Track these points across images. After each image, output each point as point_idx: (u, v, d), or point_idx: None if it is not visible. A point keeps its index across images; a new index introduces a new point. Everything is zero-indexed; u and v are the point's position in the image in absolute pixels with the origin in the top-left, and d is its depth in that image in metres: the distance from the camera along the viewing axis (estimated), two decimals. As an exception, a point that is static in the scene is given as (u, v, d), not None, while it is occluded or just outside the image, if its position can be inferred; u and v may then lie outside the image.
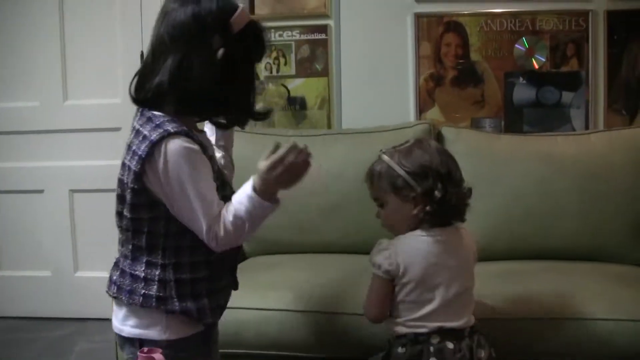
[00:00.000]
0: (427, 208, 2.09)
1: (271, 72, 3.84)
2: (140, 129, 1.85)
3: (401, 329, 2.16)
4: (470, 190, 2.18)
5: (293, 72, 3.83)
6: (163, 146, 1.78)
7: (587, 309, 2.46)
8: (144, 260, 1.90)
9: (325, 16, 3.78)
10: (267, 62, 3.83)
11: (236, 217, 1.83)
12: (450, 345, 2.11)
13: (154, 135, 1.79)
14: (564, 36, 3.61)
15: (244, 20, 1.86)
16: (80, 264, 4.24)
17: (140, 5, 3.93)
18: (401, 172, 2.11)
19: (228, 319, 2.58)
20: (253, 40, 1.88)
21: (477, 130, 3.51)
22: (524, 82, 3.65)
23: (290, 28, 3.82)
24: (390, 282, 2.15)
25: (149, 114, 1.87)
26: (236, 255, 2.10)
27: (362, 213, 3.19)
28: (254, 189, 1.84)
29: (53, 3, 4.07)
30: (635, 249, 3.08)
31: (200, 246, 1.88)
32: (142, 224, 1.88)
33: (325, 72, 3.80)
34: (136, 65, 4.01)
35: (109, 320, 2.51)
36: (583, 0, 3.60)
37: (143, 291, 1.89)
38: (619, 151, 3.15)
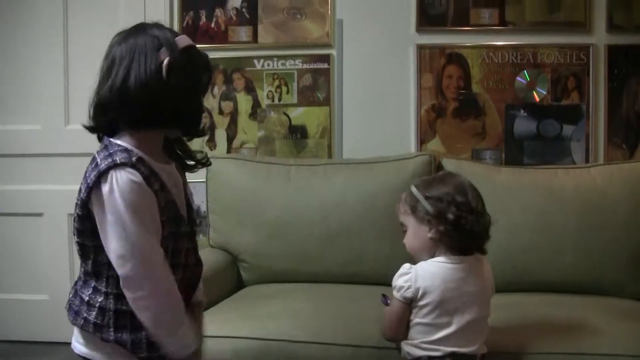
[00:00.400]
0: (441, 228, 2.22)
1: (273, 101, 3.85)
2: (96, 156, 1.86)
3: (416, 352, 2.25)
4: (489, 219, 2.31)
5: (295, 100, 3.85)
6: (110, 176, 1.77)
7: (585, 343, 2.45)
8: (92, 285, 1.89)
9: (327, 46, 3.81)
10: (270, 90, 3.85)
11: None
12: None
13: (103, 165, 1.78)
14: (565, 69, 3.63)
15: (188, 41, 1.88)
16: (78, 289, 4.22)
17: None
18: (419, 196, 2.28)
19: (226, 348, 2.59)
20: (196, 58, 1.89)
21: (477, 162, 3.51)
22: (525, 114, 3.67)
23: (293, 57, 3.84)
24: (408, 305, 2.26)
25: (107, 141, 1.88)
26: (194, 283, 2.02)
27: (362, 243, 3.21)
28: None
29: (57, 27, 4.09)
30: (634, 282, 3.08)
31: None
32: (88, 250, 1.88)
33: (326, 102, 3.81)
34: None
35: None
36: (584, 34, 3.62)
37: (85, 315, 1.87)
38: (619, 185, 3.15)
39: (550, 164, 3.55)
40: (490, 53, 3.67)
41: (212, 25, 3.87)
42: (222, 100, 3.89)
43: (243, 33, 3.87)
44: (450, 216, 2.21)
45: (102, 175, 1.77)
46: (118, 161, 1.77)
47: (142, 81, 1.79)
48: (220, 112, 3.89)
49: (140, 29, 1.90)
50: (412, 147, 3.72)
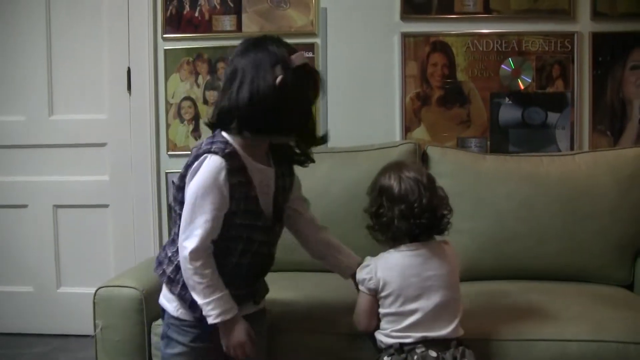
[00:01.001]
0: (372, 224, 2.37)
1: (258, 90, 3.83)
2: (204, 140, 2.20)
3: (388, 340, 2.27)
4: (438, 206, 2.31)
5: (280, 89, 3.83)
6: (203, 158, 2.10)
7: (570, 330, 2.45)
8: (177, 245, 2.17)
9: (312, 34, 3.79)
10: (254, 80, 3.83)
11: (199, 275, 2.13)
12: (433, 353, 2.20)
13: (203, 148, 2.12)
14: (550, 57, 3.64)
15: (302, 59, 2.15)
16: (63, 280, 4.21)
17: (128, 21, 3.93)
18: (371, 188, 2.41)
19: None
20: (307, 76, 2.17)
21: (462, 150, 3.51)
22: (510, 102, 3.67)
23: (277, 46, 3.82)
24: (373, 296, 2.30)
25: (217, 132, 2.19)
26: (259, 271, 2.36)
27: (346, 232, 3.18)
28: (214, 316, 2.15)
29: (40, 19, 4.07)
30: (619, 269, 3.09)
31: (227, 254, 2.19)
32: (177, 216, 2.20)
33: (311, 90, 3.79)
34: (122, 80, 4.03)
35: (90, 337, 2.52)
36: (568, 22, 3.62)
37: (164, 267, 2.25)
38: (604, 172, 3.16)
39: (535, 151, 3.55)
40: (475, 41, 3.67)
41: (196, 14, 3.85)
42: (206, 90, 3.87)
43: (227, 22, 3.86)
44: (372, 209, 2.36)
45: (197, 157, 2.11)
46: (213, 149, 2.10)
47: (256, 95, 2.07)
48: (205, 101, 3.87)
49: (262, 43, 2.16)
50: (397, 135, 3.72)
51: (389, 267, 2.28)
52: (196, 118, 3.87)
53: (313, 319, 2.61)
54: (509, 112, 3.67)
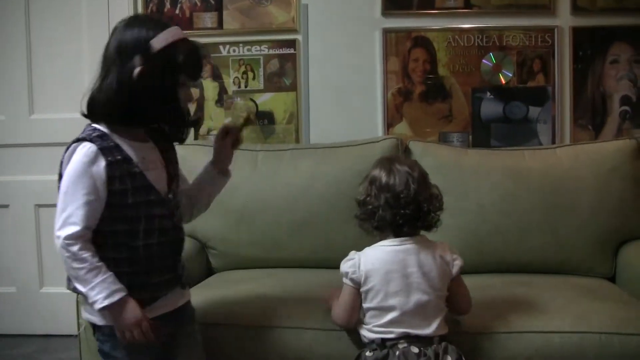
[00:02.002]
0: (358, 212, 2.36)
1: (239, 87, 3.83)
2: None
3: (370, 335, 2.28)
4: (427, 200, 2.30)
5: (261, 86, 3.83)
6: (72, 149, 2.06)
7: (554, 322, 2.46)
8: None
9: (293, 31, 3.79)
10: (236, 77, 3.82)
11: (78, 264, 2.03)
12: (415, 349, 2.20)
13: (71, 142, 2.08)
14: (531, 52, 3.65)
15: (165, 41, 2.04)
16: (46, 280, 4.18)
17: (108, 19, 3.91)
18: (362, 180, 2.39)
19: (195, 335, 2.57)
20: (175, 57, 2.06)
21: (444, 145, 3.52)
22: (491, 97, 3.68)
23: (259, 43, 3.82)
24: (356, 290, 2.30)
25: (87, 125, 2.15)
26: (172, 249, 2.25)
27: (329, 227, 3.21)
28: (101, 300, 2.02)
29: (19, 17, 4.04)
30: (601, 261, 3.11)
31: (133, 237, 2.10)
32: None
33: (293, 87, 3.80)
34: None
35: (73, 336, 2.50)
36: (549, 16, 3.64)
37: (74, 282, 2.11)
38: (585, 166, 3.17)
39: (517, 146, 3.56)
40: (456, 36, 3.68)
41: (177, 11, 3.84)
42: (188, 87, 3.86)
43: (208, 19, 3.85)
44: (360, 197, 2.35)
45: (67, 150, 2.07)
46: (80, 136, 2.07)
47: (117, 89, 2.02)
48: (187, 99, 3.86)
49: (131, 23, 2.10)
50: (380, 131, 3.72)
51: (371, 261, 2.28)
52: (178, 116, 3.85)
53: (291, 315, 2.60)
54: (490, 107, 3.69)
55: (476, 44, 3.68)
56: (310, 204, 3.21)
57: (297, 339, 2.53)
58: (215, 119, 3.84)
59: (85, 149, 2.03)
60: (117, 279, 2.04)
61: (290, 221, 3.21)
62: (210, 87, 3.84)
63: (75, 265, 2.00)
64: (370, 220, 2.31)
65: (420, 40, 3.70)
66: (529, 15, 3.65)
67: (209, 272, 3.34)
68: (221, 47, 3.83)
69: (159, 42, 2.03)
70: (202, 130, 3.85)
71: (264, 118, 3.82)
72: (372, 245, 2.33)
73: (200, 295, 2.87)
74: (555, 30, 3.62)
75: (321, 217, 3.19)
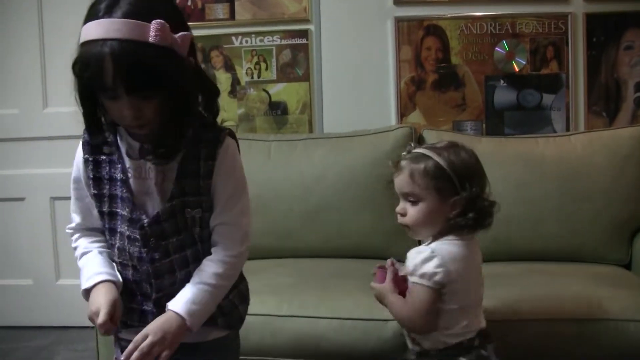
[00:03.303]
0: (471, 215, 2.00)
1: (252, 78, 3.84)
2: None
3: (452, 340, 2.07)
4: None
5: (274, 77, 3.83)
6: None
7: (568, 309, 2.46)
8: None
9: (305, 21, 3.79)
10: (248, 68, 3.83)
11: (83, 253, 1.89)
12: (485, 350, 2.09)
13: None
14: (544, 39, 3.63)
15: (93, 34, 1.63)
16: (62, 272, 4.21)
17: (120, 11, 3.92)
18: (451, 173, 2.01)
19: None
20: (85, 57, 1.65)
21: (458, 134, 3.51)
22: (505, 85, 3.67)
23: (271, 33, 3.82)
24: (439, 291, 2.02)
25: None
26: (142, 278, 1.85)
27: (343, 217, 3.21)
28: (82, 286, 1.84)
29: (32, 11, 4.06)
30: (615, 249, 3.10)
31: (112, 251, 1.88)
32: None
33: (306, 77, 3.79)
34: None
35: (90, 328, 2.51)
36: (562, 3, 3.61)
37: None
38: (599, 153, 3.16)
39: (530, 133, 3.54)
40: (468, 24, 3.66)
41: (189, 3, 3.84)
42: (201, 79, 3.86)
43: (220, 10, 3.84)
44: (479, 195, 2.03)
45: None
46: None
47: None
48: (200, 90, 3.86)
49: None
50: (393, 120, 3.72)
51: (455, 258, 2.02)
52: (191, 107, 3.86)
53: (305, 304, 2.62)
54: (503, 95, 3.67)
55: (489, 32, 3.66)
56: (323, 193, 3.21)
57: (311, 328, 2.55)
58: (229, 109, 3.84)
59: (81, 141, 1.84)
60: (101, 267, 1.82)
61: (303, 211, 3.22)
62: (223, 78, 3.84)
63: (75, 254, 1.90)
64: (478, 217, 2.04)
65: (433, 29, 3.69)
66: (542, 1, 3.63)
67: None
68: (233, 38, 3.83)
69: (84, 33, 1.65)
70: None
71: (277, 108, 3.82)
72: (444, 241, 2.04)
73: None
74: (569, 16, 3.60)
75: (334, 207, 3.19)
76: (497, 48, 3.66)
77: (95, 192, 1.82)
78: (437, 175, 2.01)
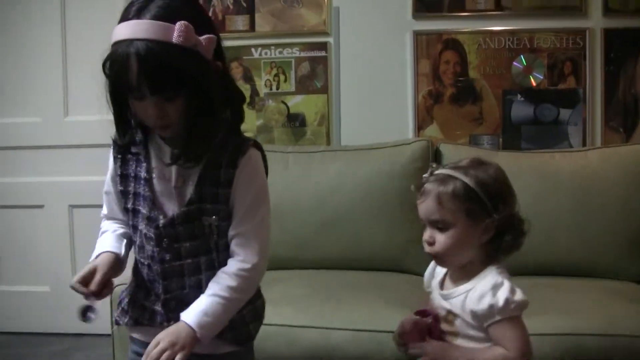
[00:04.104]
0: (507, 238, 1.83)
1: (271, 89, 3.86)
2: None
3: None
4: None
5: (293, 89, 3.86)
6: None
7: (583, 324, 2.46)
8: None
9: (325, 34, 3.81)
10: (267, 79, 3.85)
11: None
12: None
13: None
14: (562, 54, 3.64)
15: (123, 35, 1.67)
16: (80, 280, 4.23)
17: (141, 22, 3.95)
18: (481, 193, 1.79)
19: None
20: (115, 58, 1.68)
21: (475, 147, 3.52)
22: (522, 99, 3.68)
23: (290, 45, 3.84)
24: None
25: None
26: (155, 277, 1.85)
27: (359, 229, 3.22)
28: None
29: (55, 20, 4.10)
30: (630, 264, 3.10)
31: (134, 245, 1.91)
32: None
33: (324, 89, 3.82)
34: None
35: (106, 335, 2.53)
36: (580, 18, 3.62)
37: None
38: (616, 168, 3.17)
39: (547, 148, 3.55)
40: (486, 38, 3.68)
41: (210, 14, 3.88)
42: (220, 90, 3.89)
43: (240, 22, 3.88)
44: (512, 214, 1.85)
45: None
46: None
47: None
48: (219, 101, 3.89)
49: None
50: (410, 133, 3.73)
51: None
52: (210, 118, 3.89)
53: (320, 315, 2.63)
54: (521, 109, 3.68)
55: (507, 46, 3.67)
56: (340, 205, 3.23)
57: (325, 338, 2.56)
58: (247, 121, 3.85)
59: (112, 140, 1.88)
60: (115, 241, 1.86)
61: (319, 222, 3.24)
62: (241, 90, 3.86)
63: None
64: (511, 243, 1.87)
65: (451, 43, 3.71)
66: (560, 17, 3.64)
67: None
68: (253, 50, 3.86)
69: (115, 34, 1.68)
70: (234, 132, 3.88)
71: (295, 120, 3.84)
72: (497, 272, 1.83)
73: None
74: (587, 32, 3.61)
75: (350, 218, 3.21)
76: (514, 63, 3.67)
77: (122, 188, 1.86)
78: (467, 197, 1.79)
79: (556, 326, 2.46)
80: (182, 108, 1.69)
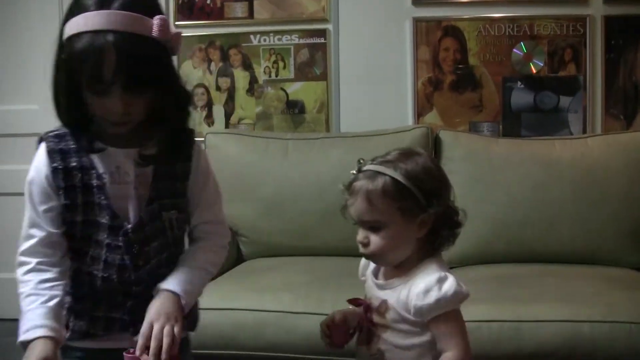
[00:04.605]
0: (444, 233, 1.70)
1: (270, 76, 3.85)
2: None
3: None
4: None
5: (292, 76, 3.84)
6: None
7: (583, 311, 2.47)
8: None
9: (324, 20, 3.80)
10: (266, 66, 3.84)
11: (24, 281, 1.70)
12: None
13: None
14: (562, 41, 3.63)
15: (70, 29, 1.59)
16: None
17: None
18: (413, 188, 1.65)
19: (225, 321, 2.62)
20: (76, 51, 1.58)
21: (475, 134, 3.51)
22: (522, 86, 3.66)
23: (289, 32, 3.83)
24: None
25: None
26: (120, 288, 1.75)
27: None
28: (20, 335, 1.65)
29: (52, 7, 4.08)
30: (631, 252, 3.10)
31: (79, 260, 1.75)
32: None
33: (323, 76, 3.81)
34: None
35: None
36: (581, 5, 3.61)
37: None
38: (616, 155, 3.16)
39: (547, 135, 3.54)
40: (486, 25, 3.66)
41: (208, 1, 3.86)
42: (219, 77, 3.89)
43: (239, 9, 3.86)
44: (448, 205, 1.70)
45: None
46: (43, 135, 1.73)
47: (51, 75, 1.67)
48: (218, 88, 3.89)
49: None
50: (410, 120, 3.72)
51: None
52: (209, 105, 3.88)
53: (322, 301, 2.62)
54: (521, 97, 3.67)
55: (507, 33, 3.66)
56: (339, 192, 3.22)
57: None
58: (246, 108, 3.86)
59: (40, 151, 1.70)
60: (47, 314, 1.65)
61: (320, 209, 3.23)
62: (240, 77, 3.86)
63: (20, 288, 1.71)
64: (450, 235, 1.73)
65: (451, 30, 3.69)
66: (560, 3, 3.62)
67: (239, 259, 3.37)
68: (252, 37, 3.85)
69: (70, 27, 1.58)
70: (233, 119, 3.87)
71: (295, 107, 3.83)
72: (433, 266, 1.69)
73: (230, 282, 2.91)
74: (587, 19, 3.60)
75: (350, 206, 3.20)
76: (514, 50, 3.66)
77: (68, 202, 1.69)
78: (398, 194, 1.66)
79: (557, 313, 2.47)
80: (147, 103, 1.64)
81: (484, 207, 3.12)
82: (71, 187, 1.69)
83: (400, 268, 1.72)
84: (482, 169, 3.19)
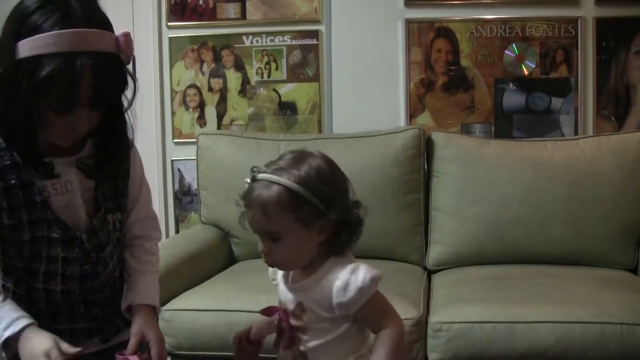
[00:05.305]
0: (344, 237, 1.67)
1: (262, 77, 3.85)
2: None
3: None
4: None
5: (284, 77, 3.84)
6: None
7: (575, 312, 2.47)
8: None
9: (316, 22, 3.80)
10: (259, 67, 3.84)
11: None
12: None
13: None
14: (554, 43, 3.64)
15: (36, 49, 1.50)
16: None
17: (132, 9, 3.92)
18: (309, 196, 1.61)
19: (219, 321, 2.61)
20: (31, 74, 1.50)
21: (467, 135, 3.52)
22: (514, 88, 3.67)
23: (282, 33, 3.83)
24: None
25: None
26: (81, 298, 1.75)
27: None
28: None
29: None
30: (622, 253, 3.11)
31: (32, 278, 1.71)
32: None
33: (316, 77, 3.81)
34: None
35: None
36: (572, 7, 3.62)
37: None
38: (608, 157, 3.17)
39: (539, 137, 3.55)
40: (479, 27, 3.67)
41: (200, 2, 3.86)
42: (211, 78, 3.88)
43: (231, 10, 3.86)
44: (347, 206, 1.68)
45: None
46: None
47: None
48: (210, 89, 3.88)
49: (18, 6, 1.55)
50: (402, 121, 3.72)
51: None
52: (201, 106, 3.88)
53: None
54: (512, 98, 3.68)
55: (499, 35, 3.67)
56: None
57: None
58: (238, 109, 3.86)
59: None
60: (17, 306, 1.63)
61: (312, 210, 3.22)
62: (233, 78, 3.86)
63: None
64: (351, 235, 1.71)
65: (443, 31, 3.70)
66: (552, 5, 3.64)
67: (232, 260, 3.36)
68: (244, 38, 3.85)
69: (29, 47, 1.49)
70: (225, 120, 3.87)
71: (287, 108, 3.83)
72: (341, 261, 1.67)
73: (223, 282, 2.90)
74: (579, 20, 3.61)
75: (343, 207, 3.20)
76: (507, 51, 3.67)
77: (12, 222, 1.64)
78: (294, 204, 1.60)
79: (549, 314, 2.48)
80: (99, 115, 1.61)
81: (476, 208, 3.13)
82: (15, 207, 1.63)
83: (308, 268, 1.68)
84: (474, 170, 3.20)
